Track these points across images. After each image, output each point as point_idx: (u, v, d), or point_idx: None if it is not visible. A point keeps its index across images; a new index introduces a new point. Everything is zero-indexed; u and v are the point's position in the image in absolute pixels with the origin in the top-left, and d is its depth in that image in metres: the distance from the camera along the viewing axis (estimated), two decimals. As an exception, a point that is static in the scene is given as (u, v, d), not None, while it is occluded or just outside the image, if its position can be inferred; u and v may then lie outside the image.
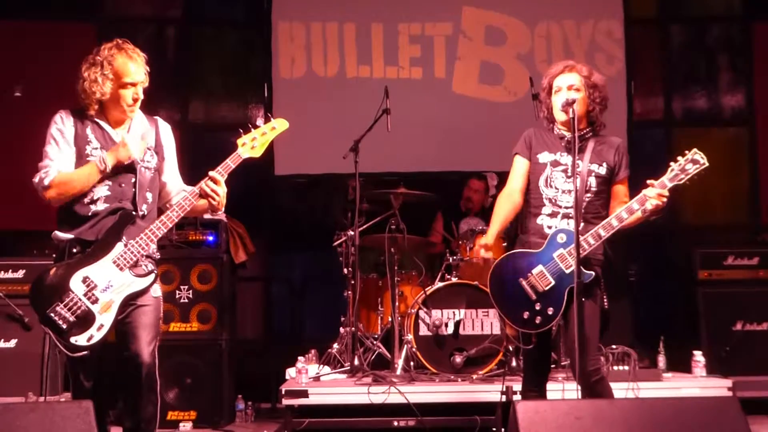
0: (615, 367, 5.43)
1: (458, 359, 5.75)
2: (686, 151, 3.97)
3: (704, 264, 6.67)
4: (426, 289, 5.98)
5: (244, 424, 6.19)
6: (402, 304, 6.15)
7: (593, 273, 3.99)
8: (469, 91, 8.07)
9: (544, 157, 4.18)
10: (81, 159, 3.79)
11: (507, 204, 4.25)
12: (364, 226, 6.24)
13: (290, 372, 5.94)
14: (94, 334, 3.63)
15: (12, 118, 7.38)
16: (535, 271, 4.04)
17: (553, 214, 4.11)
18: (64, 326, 3.61)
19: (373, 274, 6.59)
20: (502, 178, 6.37)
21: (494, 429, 5.14)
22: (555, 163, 4.15)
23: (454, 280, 6.08)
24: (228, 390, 6.17)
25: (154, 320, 3.80)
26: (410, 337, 5.84)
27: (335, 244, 6.45)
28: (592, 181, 4.12)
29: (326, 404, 5.27)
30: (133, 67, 3.80)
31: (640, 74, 8.18)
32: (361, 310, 6.39)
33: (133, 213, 3.80)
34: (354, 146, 6.09)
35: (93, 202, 3.77)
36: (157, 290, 3.84)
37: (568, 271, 3.98)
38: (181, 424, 5.89)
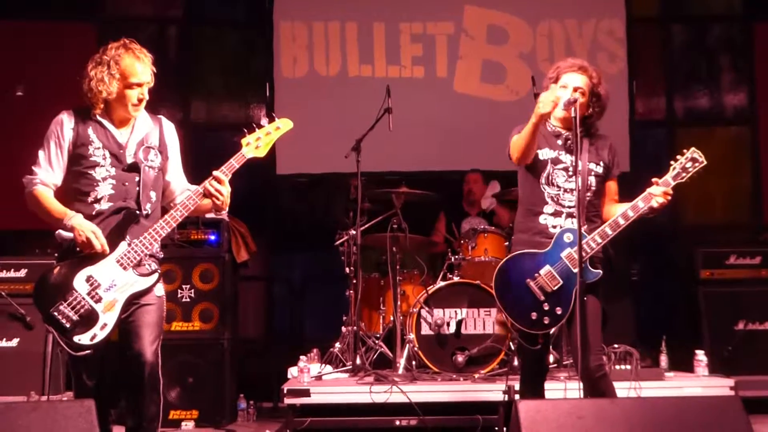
0: (617, 367, 5.43)
1: (460, 358, 5.75)
2: (685, 150, 4.00)
3: (706, 263, 6.67)
4: (428, 289, 5.98)
5: (246, 424, 6.19)
6: (404, 304, 6.15)
7: (600, 272, 3.99)
8: (471, 90, 8.08)
9: (545, 153, 4.14)
10: (84, 159, 3.78)
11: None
12: (366, 226, 6.24)
13: (292, 371, 5.94)
14: (98, 333, 3.63)
15: (13, 117, 7.39)
16: (542, 271, 4.03)
17: (556, 213, 4.09)
18: (68, 325, 3.61)
19: (375, 273, 6.59)
20: (507, 181, 6.41)
21: (496, 428, 5.15)
22: (556, 161, 4.12)
23: (456, 279, 6.08)
24: (230, 389, 6.17)
25: (157, 319, 3.80)
26: (412, 336, 5.84)
27: (337, 243, 6.45)
28: (592, 181, 4.11)
29: (328, 403, 5.27)
30: (140, 67, 3.79)
31: (641, 74, 8.19)
32: (363, 310, 6.38)
33: (137, 212, 3.80)
34: (356, 145, 6.09)
35: (97, 201, 3.77)
36: (160, 289, 3.84)
37: (576, 271, 3.98)
38: (183, 424, 5.90)
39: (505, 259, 4.20)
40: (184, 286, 6.10)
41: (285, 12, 8.08)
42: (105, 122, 3.84)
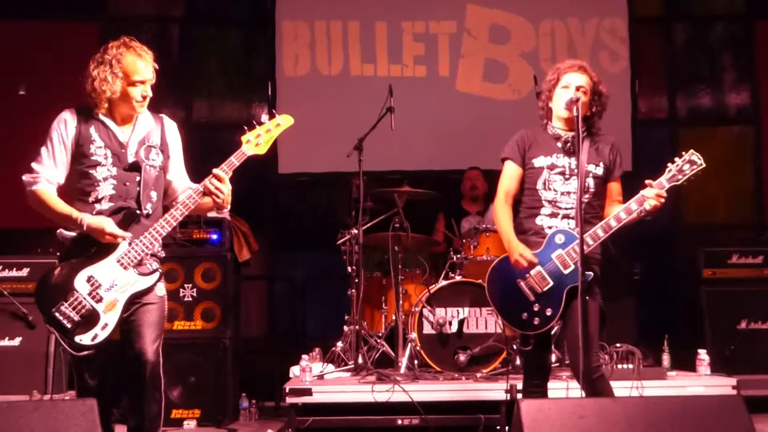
0: (619, 366, 5.42)
1: (462, 357, 5.75)
2: (683, 152, 3.96)
3: (709, 263, 6.66)
4: (430, 288, 5.98)
5: (248, 423, 6.19)
6: (406, 303, 6.15)
7: (592, 273, 3.97)
8: (473, 89, 8.08)
9: (540, 161, 4.15)
10: (85, 158, 3.77)
11: (506, 212, 4.20)
12: (368, 225, 6.24)
13: (294, 370, 5.94)
14: (99, 333, 3.63)
15: (15, 117, 7.40)
16: (533, 272, 4.04)
17: (553, 215, 4.10)
18: (69, 325, 3.61)
19: (377, 272, 6.59)
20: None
21: (498, 427, 5.14)
22: (552, 167, 4.13)
23: (458, 278, 6.08)
24: (232, 388, 6.17)
25: (158, 318, 3.80)
26: (414, 335, 5.84)
27: (339, 242, 6.45)
28: (590, 182, 4.09)
29: (330, 402, 5.27)
30: (142, 64, 3.79)
31: (644, 73, 8.18)
32: (365, 309, 6.38)
33: (138, 212, 3.80)
34: (358, 145, 6.09)
35: (98, 200, 3.77)
36: (161, 289, 3.84)
37: (566, 272, 3.98)
38: (185, 423, 5.90)
39: (497, 259, 4.21)
40: (186, 285, 6.10)
41: (287, 11, 8.09)
42: (107, 121, 3.84)
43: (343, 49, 8.07)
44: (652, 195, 3.89)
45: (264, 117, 3.94)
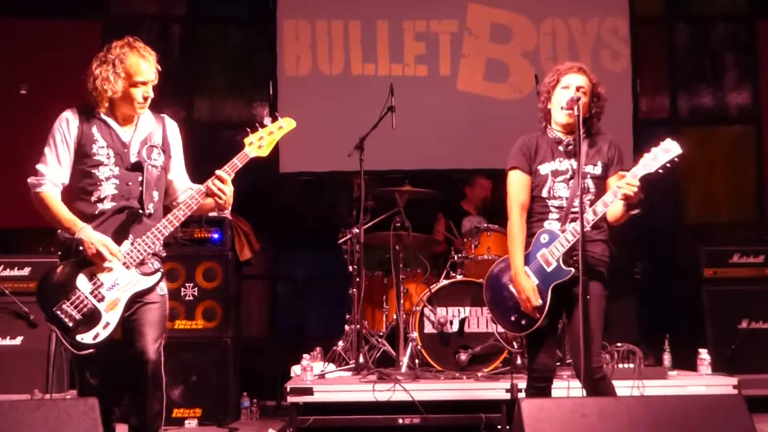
0: (620, 365, 5.43)
1: (463, 357, 5.75)
2: (660, 141, 3.91)
3: (710, 262, 6.66)
4: (431, 287, 5.98)
5: (249, 422, 6.20)
6: (407, 302, 6.15)
7: (572, 270, 3.93)
8: (475, 88, 8.08)
9: (545, 167, 4.14)
10: (88, 158, 3.78)
11: (521, 231, 4.12)
12: (369, 224, 6.25)
13: (295, 369, 5.95)
14: (100, 332, 3.64)
15: (17, 116, 7.40)
16: None
17: (560, 219, 4.09)
18: (71, 324, 3.62)
19: (378, 271, 6.59)
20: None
21: (499, 427, 5.15)
22: (555, 173, 4.12)
23: (459, 277, 6.08)
24: (233, 387, 6.18)
25: (160, 318, 3.81)
26: (415, 334, 5.84)
27: (340, 241, 6.45)
28: (589, 183, 4.09)
29: (331, 402, 5.28)
30: (145, 65, 3.79)
31: (645, 72, 8.18)
32: (366, 308, 6.39)
33: (140, 212, 3.80)
34: (359, 144, 6.09)
35: (100, 200, 3.77)
36: (163, 288, 3.85)
37: (549, 270, 3.99)
38: (186, 422, 5.90)
39: (494, 266, 4.24)
40: (187, 285, 6.10)
41: (288, 10, 8.09)
42: (109, 121, 3.84)
43: (344, 48, 8.06)
44: (622, 185, 3.83)
45: (267, 119, 3.94)
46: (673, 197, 7.83)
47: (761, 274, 6.63)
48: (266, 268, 8.01)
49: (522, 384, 5.17)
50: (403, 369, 5.78)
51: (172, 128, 4.03)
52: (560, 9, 8.12)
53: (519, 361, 5.77)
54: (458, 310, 5.89)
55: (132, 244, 3.72)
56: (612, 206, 3.93)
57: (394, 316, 6.09)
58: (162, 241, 3.79)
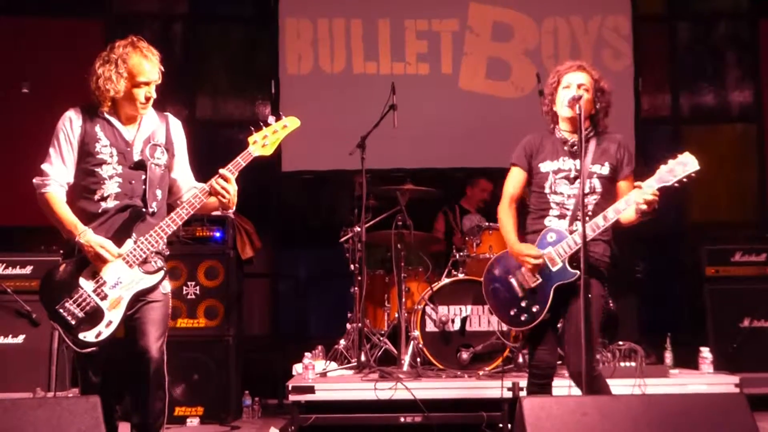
0: (622, 364, 5.43)
1: (465, 355, 5.75)
2: (678, 154, 3.91)
3: (711, 260, 6.66)
4: (432, 286, 5.98)
5: (251, 420, 6.20)
6: (408, 301, 6.15)
7: (577, 272, 3.92)
8: (476, 86, 8.07)
9: (546, 166, 4.17)
10: (91, 156, 3.78)
11: (509, 215, 4.25)
12: (371, 223, 6.24)
13: (297, 368, 5.95)
14: (103, 330, 3.64)
15: (19, 114, 7.41)
16: (524, 268, 4.09)
17: (561, 216, 4.11)
18: (73, 322, 3.62)
19: (380, 270, 6.59)
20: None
21: (500, 425, 5.15)
22: (557, 171, 4.14)
23: (461, 276, 6.08)
24: (235, 386, 6.18)
25: (162, 316, 3.81)
26: (417, 333, 5.84)
27: (342, 240, 6.45)
28: (596, 183, 4.10)
29: (333, 400, 5.28)
30: (148, 66, 3.78)
31: (647, 71, 8.17)
32: (368, 307, 6.39)
33: (143, 210, 3.81)
34: (361, 142, 6.09)
35: (103, 199, 3.78)
36: (166, 286, 3.85)
37: (554, 269, 4.01)
38: (188, 420, 5.91)
39: (494, 257, 4.28)
40: (189, 283, 6.11)
41: (290, 8, 8.09)
42: (112, 120, 3.85)
43: (345, 46, 8.06)
44: (639, 199, 3.85)
45: (271, 119, 3.94)
46: (674, 196, 7.82)
47: (763, 273, 6.63)
48: (268, 267, 8.01)
49: (523, 382, 5.18)
50: (405, 367, 5.78)
51: (176, 127, 4.03)
52: (562, 7, 8.12)
53: (520, 360, 5.77)
54: (460, 308, 5.89)
55: (135, 242, 3.72)
56: (628, 212, 3.93)
57: (396, 315, 6.09)
58: (165, 240, 3.80)
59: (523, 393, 5.08)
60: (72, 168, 3.79)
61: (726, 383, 5.51)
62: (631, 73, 8.01)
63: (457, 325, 5.88)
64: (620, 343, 5.52)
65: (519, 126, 7.84)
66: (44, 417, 3.28)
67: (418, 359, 5.83)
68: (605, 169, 4.12)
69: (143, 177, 3.83)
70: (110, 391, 3.80)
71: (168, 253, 3.90)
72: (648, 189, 3.85)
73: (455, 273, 6.17)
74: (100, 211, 3.76)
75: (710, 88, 8.24)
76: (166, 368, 3.82)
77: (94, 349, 3.64)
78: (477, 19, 8.12)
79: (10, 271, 6.18)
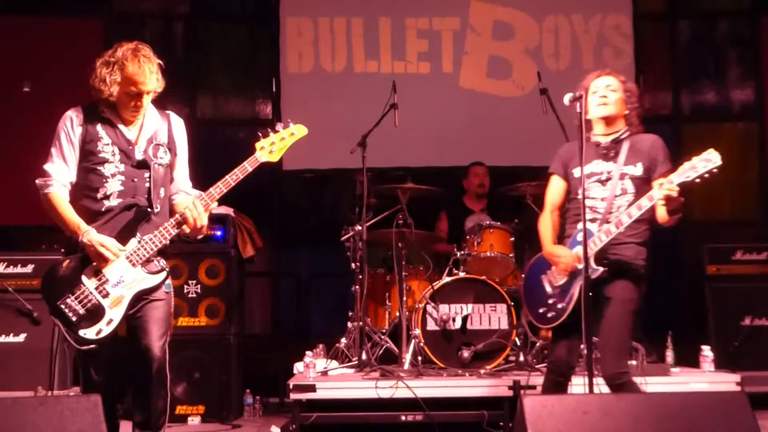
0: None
1: (466, 354, 5.74)
2: (702, 151, 3.91)
3: (713, 259, 6.66)
4: (433, 284, 5.98)
5: (253, 419, 6.21)
6: (410, 299, 6.15)
7: (600, 268, 4.00)
8: (477, 85, 8.07)
9: (579, 172, 4.19)
10: (93, 155, 3.79)
11: (548, 223, 4.36)
12: (372, 221, 6.24)
13: (298, 366, 5.95)
14: (103, 328, 3.65)
15: (19, 113, 7.41)
16: (554, 267, 4.19)
17: (593, 220, 4.15)
18: (74, 318, 3.63)
19: (381, 268, 6.59)
20: (512, 176, 6.43)
21: (501, 423, 5.15)
22: (589, 175, 4.19)
23: (462, 274, 6.08)
24: (236, 384, 6.19)
25: (165, 315, 3.82)
26: (418, 331, 5.84)
27: (343, 238, 6.44)
28: (628, 184, 4.15)
29: (334, 399, 5.28)
30: (143, 76, 3.75)
31: (648, 69, 8.17)
32: (369, 305, 6.38)
33: (148, 209, 3.81)
34: (361, 141, 6.09)
35: (106, 197, 3.78)
36: (169, 285, 3.86)
37: (580, 267, 4.02)
38: (189, 419, 5.92)
39: (534, 257, 4.39)
40: (190, 282, 6.11)
41: (291, 7, 8.09)
42: (113, 118, 3.85)
43: (346, 45, 8.06)
44: (660, 196, 3.87)
45: (278, 125, 3.96)
46: (678, 194, 7.80)
47: (764, 271, 6.62)
48: (269, 266, 8.02)
49: (524, 381, 5.19)
50: (406, 366, 5.78)
51: (178, 125, 4.03)
52: (563, 6, 8.11)
53: (521, 358, 5.77)
54: (461, 307, 5.88)
55: (139, 242, 3.73)
56: (658, 211, 3.99)
57: (397, 314, 6.09)
58: (168, 241, 3.80)
59: (524, 391, 5.09)
60: (74, 167, 3.80)
61: (727, 381, 5.50)
62: (632, 72, 7.99)
63: (458, 324, 5.87)
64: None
65: (520, 125, 7.89)
66: (45, 416, 3.29)
67: (419, 358, 5.83)
68: (638, 170, 4.15)
69: (146, 176, 3.84)
70: (112, 390, 3.81)
71: (170, 251, 3.91)
72: (667, 185, 3.86)
73: (456, 271, 6.16)
74: (103, 209, 3.77)
75: (711, 86, 8.24)
76: (169, 367, 3.83)
77: (93, 346, 3.65)
78: (478, 17, 8.11)
79: (11, 269, 6.18)
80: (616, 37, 8.09)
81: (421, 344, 5.82)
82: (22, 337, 6.07)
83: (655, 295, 7.34)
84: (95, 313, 3.65)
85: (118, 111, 3.86)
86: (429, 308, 5.89)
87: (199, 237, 3.90)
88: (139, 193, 3.82)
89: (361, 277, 6.11)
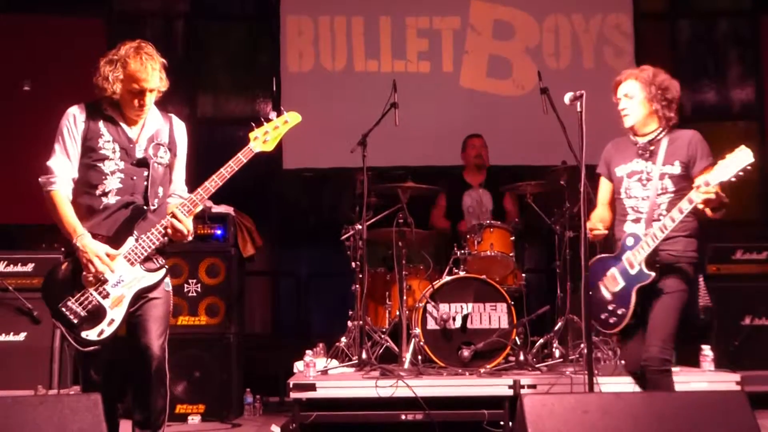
0: (623, 361, 5.42)
1: (466, 353, 5.74)
2: (735, 149, 3.96)
3: (713, 258, 6.65)
4: (434, 283, 5.98)
5: (253, 418, 6.21)
6: (410, 298, 6.15)
7: (653, 274, 4.08)
8: (477, 85, 8.07)
9: (621, 170, 4.32)
10: (93, 152, 3.80)
11: (603, 211, 4.45)
12: (372, 220, 6.24)
13: (298, 366, 5.94)
14: (105, 328, 3.65)
15: (20, 112, 7.40)
16: (608, 273, 4.24)
17: (636, 221, 4.22)
18: (75, 321, 3.63)
19: (381, 268, 6.59)
20: (513, 176, 6.42)
21: (502, 423, 5.15)
22: (630, 174, 4.27)
23: (462, 274, 6.08)
24: (236, 383, 6.19)
25: (164, 313, 3.82)
26: (418, 330, 5.84)
27: (343, 238, 6.44)
28: (668, 183, 4.18)
29: (334, 398, 5.27)
30: (145, 74, 3.76)
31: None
32: (369, 304, 6.38)
33: (145, 207, 3.81)
34: (362, 140, 6.08)
35: (105, 194, 3.79)
36: (168, 284, 3.86)
37: (633, 272, 4.13)
38: (189, 418, 5.92)
39: (593, 259, 4.39)
40: (190, 281, 6.11)
41: (291, 6, 8.09)
42: (116, 117, 3.86)
43: (347, 44, 8.06)
44: (698, 199, 3.94)
45: (272, 114, 3.95)
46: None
47: (764, 271, 6.62)
48: (269, 265, 8.02)
49: (524, 380, 5.19)
50: (406, 365, 5.78)
51: (179, 128, 4.04)
52: (563, 5, 8.11)
53: (521, 357, 5.77)
54: (461, 306, 5.88)
55: (137, 240, 3.73)
56: (701, 210, 4.01)
57: (397, 313, 6.09)
58: (166, 239, 3.80)
59: (524, 390, 5.09)
60: (77, 163, 3.81)
61: (727, 381, 5.49)
62: (632, 71, 8.00)
63: (458, 323, 5.87)
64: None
65: (520, 124, 7.88)
66: (46, 415, 3.29)
67: (419, 357, 5.83)
68: (676, 168, 4.19)
69: (145, 174, 3.84)
70: (112, 389, 3.81)
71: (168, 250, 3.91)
72: (704, 188, 3.91)
73: (456, 271, 6.16)
74: (101, 207, 3.77)
75: (711, 85, 8.23)
76: (168, 366, 3.83)
77: (96, 347, 3.65)
78: (478, 17, 8.11)
79: (11, 268, 6.18)
80: (616, 37, 8.08)
81: (421, 343, 5.82)
82: (22, 336, 6.08)
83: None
84: (96, 315, 3.65)
85: (122, 110, 3.86)
86: (429, 307, 5.89)
87: (189, 239, 3.89)
88: (137, 191, 3.83)
89: (361, 276, 6.11)
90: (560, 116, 5.58)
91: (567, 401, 3.48)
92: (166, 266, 3.83)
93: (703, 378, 5.59)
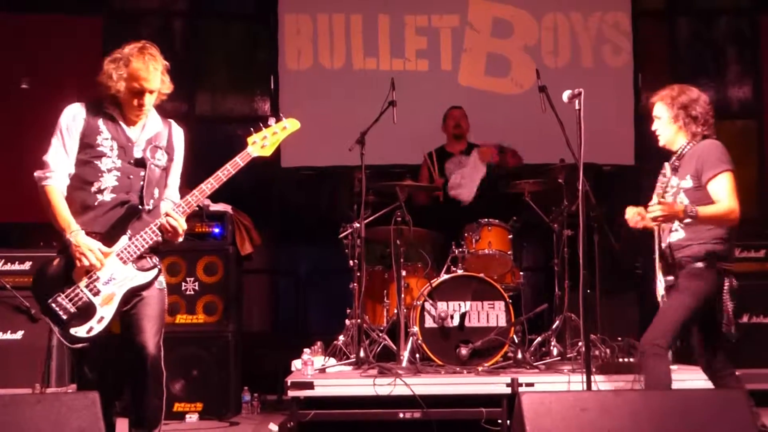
0: (621, 359, 5.42)
1: (464, 351, 5.74)
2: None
3: (711, 257, 6.65)
4: (432, 281, 5.97)
5: (251, 416, 6.21)
6: (408, 296, 6.15)
7: (671, 278, 4.31)
8: (476, 83, 8.07)
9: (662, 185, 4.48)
10: (91, 148, 3.80)
11: None
12: (370, 219, 6.24)
13: (296, 364, 5.94)
14: (95, 326, 3.64)
15: (18, 110, 7.40)
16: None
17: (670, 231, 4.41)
18: (65, 317, 3.62)
19: (379, 266, 6.58)
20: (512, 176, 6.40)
21: (500, 421, 5.14)
22: (667, 188, 4.42)
23: (460, 272, 6.07)
24: (234, 382, 6.19)
25: (158, 312, 3.82)
26: (416, 329, 5.84)
27: (341, 236, 6.44)
28: (682, 197, 4.29)
29: (332, 396, 5.27)
30: (147, 74, 3.77)
31: (647, 67, 8.16)
32: (367, 303, 6.38)
33: (140, 207, 3.81)
34: (360, 138, 6.08)
35: (100, 191, 3.78)
36: (162, 282, 3.85)
37: (659, 279, 4.41)
38: (187, 416, 5.92)
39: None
40: (188, 279, 6.11)
41: (289, 4, 8.08)
42: (116, 115, 3.86)
43: (345, 42, 8.06)
44: (639, 219, 4.41)
45: (271, 120, 3.96)
46: None
47: (762, 269, 6.64)
48: (267, 263, 8.01)
49: (522, 378, 5.19)
50: (404, 363, 5.77)
51: (178, 134, 4.06)
52: (562, 3, 8.11)
53: (519, 356, 5.77)
54: (459, 304, 5.88)
55: (130, 239, 3.73)
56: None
57: (395, 311, 6.09)
58: (160, 238, 3.80)
59: (522, 389, 5.09)
60: (73, 159, 3.80)
61: (725, 379, 5.49)
62: (630, 69, 8.01)
63: (456, 321, 5.87)
64: (619, 339, 5.51)
65: (518, 122, 7.87)
66: (43, 413, 3.29)
67: (417, 355, 5.83)
68: (688, 182, 4.31)
69: (142, 174, 3.84)
70: (107, 387, 3.79)
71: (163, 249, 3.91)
72: (642, 222, 4.33)
73: (454, 269, 6.16)
74: (96, 203, 3.77)
75: (710, 84, 8.21)
76: (165, 364, 3.82)
77: (85, 344, 3.65)
78: (477, 15, 8.11)
79: (9, 267, 6.18)
80: (615, 35, 8.08)
81: (419, 341, 5.82)
82: (19, 335, 6.08)
83: (654, 292, 7.40)
84: (86, 311, 3.65)
85: (122, 109, 3.87)
86: (427, 305, 5.88)
87: (180, 240, 3.89)
88: (133, 191, 3.83)
89: (359, 274, 6.11)
90: (559, 114, 5.58)
91: (565, 399, 3.49)
92: (159, 265, 3.83)
93: (701, 376, 5.56)
